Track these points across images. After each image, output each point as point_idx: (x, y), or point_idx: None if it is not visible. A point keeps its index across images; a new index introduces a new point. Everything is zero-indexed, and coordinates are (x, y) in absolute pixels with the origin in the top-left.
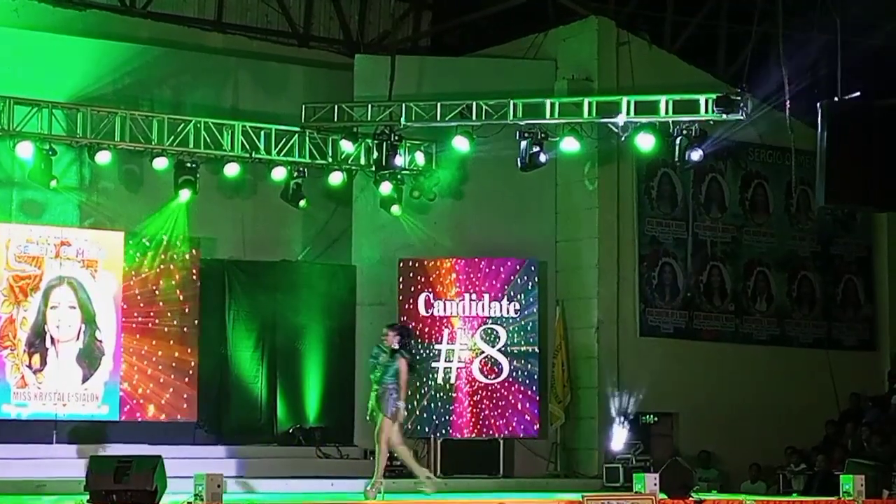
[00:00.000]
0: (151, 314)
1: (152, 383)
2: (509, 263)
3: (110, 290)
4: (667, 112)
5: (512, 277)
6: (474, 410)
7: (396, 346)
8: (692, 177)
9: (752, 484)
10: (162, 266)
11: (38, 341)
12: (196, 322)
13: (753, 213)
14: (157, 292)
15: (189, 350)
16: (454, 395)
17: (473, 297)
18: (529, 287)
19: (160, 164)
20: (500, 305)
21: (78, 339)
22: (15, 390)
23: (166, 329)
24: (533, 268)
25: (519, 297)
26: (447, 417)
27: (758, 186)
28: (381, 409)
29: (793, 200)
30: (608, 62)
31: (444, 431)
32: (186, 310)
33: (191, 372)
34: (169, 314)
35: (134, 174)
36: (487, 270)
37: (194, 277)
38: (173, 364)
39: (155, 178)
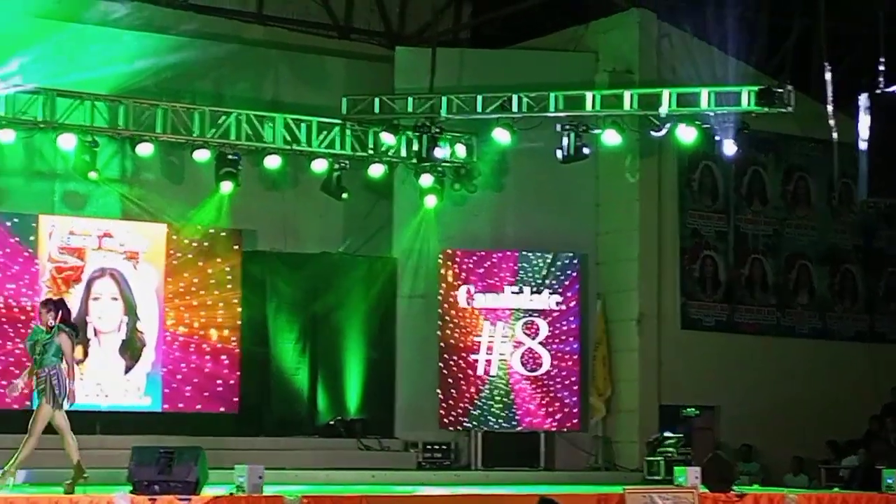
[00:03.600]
0: (193, 306)
1: (194, 375)
2: (550, 256)
3: (152, 282)
4: (708, 105)
5: (553, 270)
6: (515, 403)
7: (53, 323)
8: (734, 169)
9: (794, 477)
10: (204, 258)
11: (81, 332)
12: (237, 314)
13: (795, 206)
14: (198, 284)
15: (231, 342)
16: (495, 387)
17: (514, 289)
18: (570, 280)
19: (201, 156)
20: (542, 298)
21: (120, 330)
22: None
23: (208, 321)
24: (574, 261)
25: (560, 289)
26: (488, 410)
27: (800, 179)
28: (47, 396)
29: (835, 193)
30: (649, 54)
31: (484, 424)
32: (228, 302)
33: (233, 363)
34: (210, 306)
35: (175, 166)
36: (528, 263)
37: (236, 269)
38: (215, 355)
39: (196, 170)
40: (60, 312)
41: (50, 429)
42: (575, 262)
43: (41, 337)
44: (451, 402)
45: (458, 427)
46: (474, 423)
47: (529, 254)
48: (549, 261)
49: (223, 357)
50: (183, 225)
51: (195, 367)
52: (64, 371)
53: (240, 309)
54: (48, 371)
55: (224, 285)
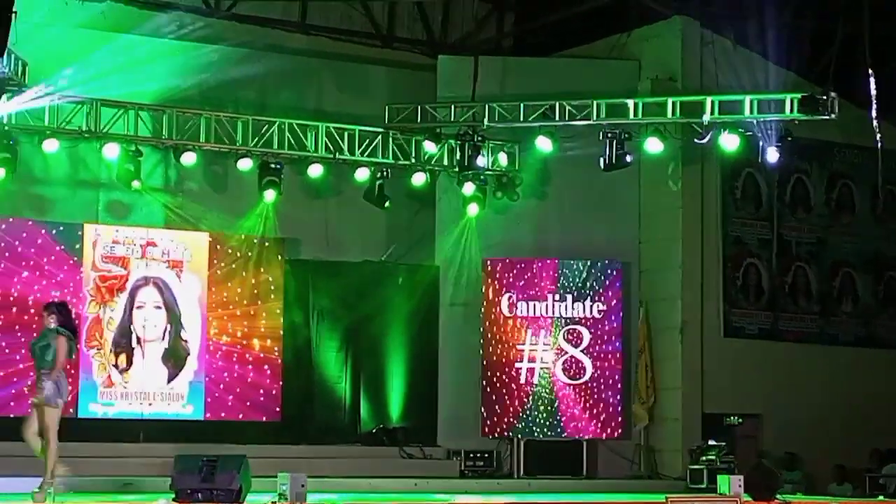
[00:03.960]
0: (236, 315)
1: (237, 383)
2: (593, 264)
3: (195, 291)
4: (751, 112)
5: (596, 278)
6: (560, 411)
7: (53, 325)
8: (777, 177)
9: (837, 486)
10: (246, 266)
11: (125, 341)
12: (280, 324)
13: (839, 213)
14: (241, 294)
15: (274, 350)
16: (538, 396)
17: (557, 297)
18: (613, 288)
19: (244, 165)
20: (584, 306)
21: (163, 338)
22: (101, 389)
23: (251, 329)
24: (616, 269)
25: (602, 297)
26: (531, 418)
27: (843, 187)
28: (44, 399)
29: (879, 200)
30: (692, 62)
31: (527, 432)
32: (271, 312)
33: (275, 372)
34: (253, 314)
35: (218, 175)
36: (571, 271)
37: (278, 278)
38: (258, 364)
39: (239, 179)
40: (62, 316)
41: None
42: (617, 269)
43: (43, 340)
44: (493, 410)
45: (501, 435)
46: (519, 431)
47: (571, 262)
48: (591, 269)
49: (265, 367)
50: (226, 234)
51: (237, 376)
52: (63, 373)
53: (282, 319)
54: (47, 373)
55: (267, 295)
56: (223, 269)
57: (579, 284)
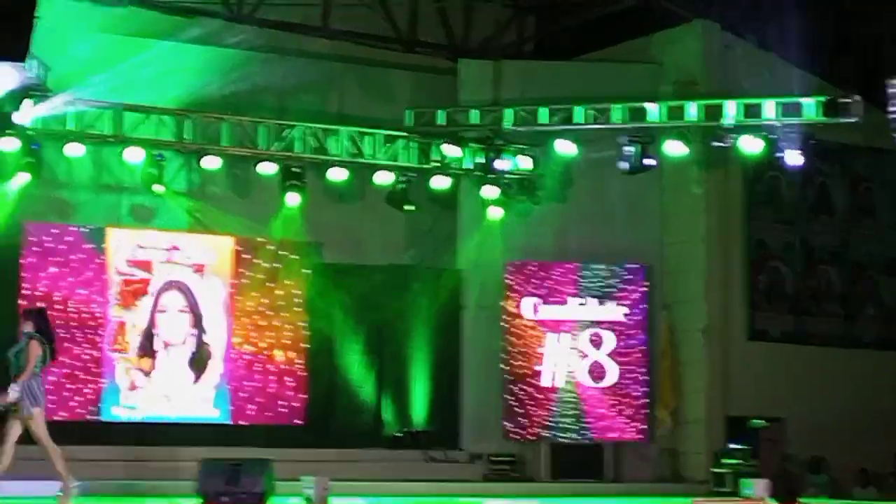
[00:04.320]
0: (259, 318)
1: (261, 386)
2: (616, 267)
3: (219, 294)
4: (773, 115)
5: (618, 281)
6: (584, 414)
7: (29, 330)
8: (800, 180)
9: (862, 489)
10: (270, 270)
11: (149, 345)
12: (304, 326)
13: (861, 216)
14: (265, 296)
15: (297, 354)
16: (562, 399)
17: (579, 301)
18: (636, 291)
19: (267, 168)
20: (607, 309)
21: (187, 342)
22: (125, 393)
23: (275, 333)
24: (640, 272)
25: (625, 301)
26: (554, 421)
27: (866, 189)
28: (27, 402)
29: None
30: (714, 66)
31: (551, 435)
32: (295, 324)
33: (299, 375)
34: (277, 318)
35: (241, 179)
36: (593, 274)
37: (301, 282)
38: (282, 367)
39: (262, 183)
40: (38, 322)
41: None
42: (640, 273)
43: (17, 346)
44: (516, 413)
45: (525, 438)
46: (548, 434)
47: (594, 265)
48: (613, 272)
49: (290, 369)
50: (249, 237)
51: (262, 378)
52: (39, 378)
53: (306, 321)
54: (15, 378)
55: (290, 297)
56: (246, 273)
57: (602, 288)
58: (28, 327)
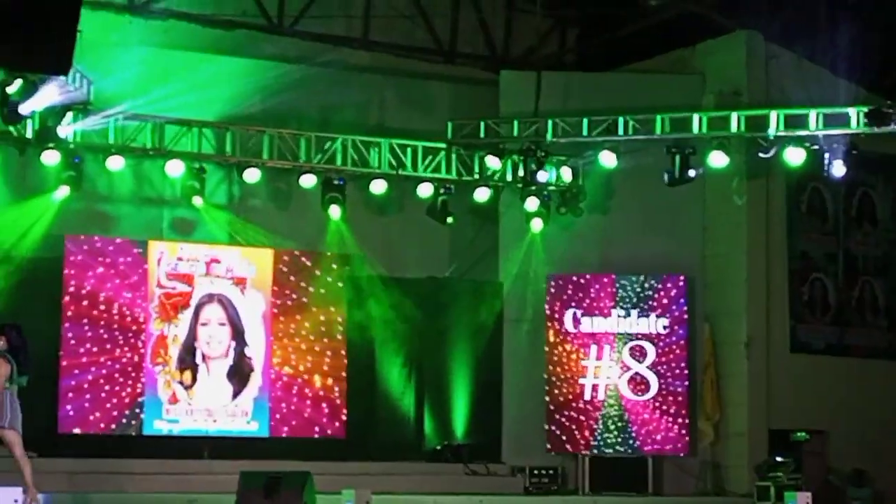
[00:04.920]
0: (298, 326)
1: (301, 399)
2: (657, 279)
3: (259, 307)
4: (817, 126)
5: (660, 294)
6: (629, 426)
7: (3, 348)
8: (843, 191)
9: None
10: (310, 283)
11: (189, 358)
12: (344, 338)
13: None
14: (305, 309)
15: (337, 366)
16: (602, 412)
17: (621, 313)
18: (678, 303)
19: (308, 181)
20: (649, 322)
21: (227, 355)
22: (167, 406)
23: (314, 346)
24: (681, 284)
25: (667, 313)
26: (596, 434)
27: None
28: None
29: None
30: (757, 76)
31: (593, 448)
32: (333, 319)
33: (339, 388)
34: (317, 331)
35: (282, 192)
36: (635, 286)
37: (342, 294)
38: (322, 380)
39: (302, 196)
40: (13, 339)
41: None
42: (682, 284)
43: None
44: (558, 426)
45: (566, 451)
46: (589, 447)
47: (635, 277)
48: (655, 284)
49: (330, 382)
50: (289, 250)
51: (302, 391)
52: (6, 395)
53: (346, 334)
54: None
55: (330, 310)
56: (287, 286)
57: (644, 300)
58: (2, 345)
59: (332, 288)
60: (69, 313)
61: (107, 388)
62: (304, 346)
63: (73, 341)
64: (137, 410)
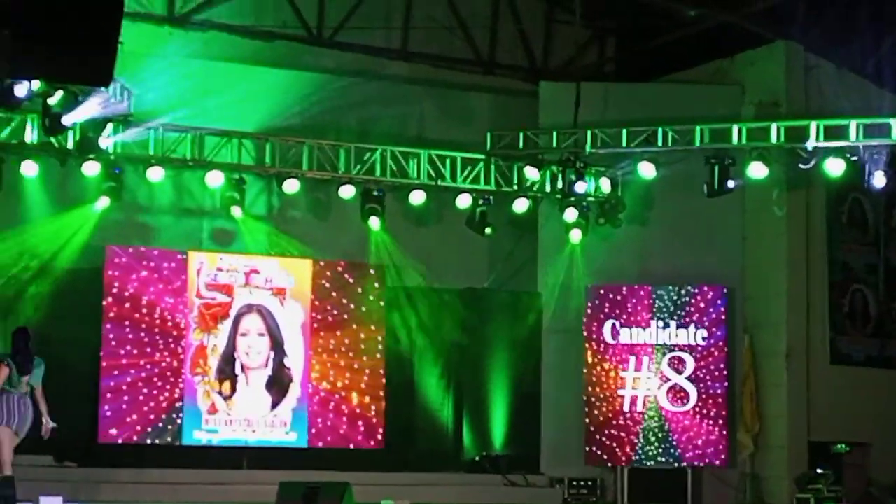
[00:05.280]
0: (338, 342)
1: (340, 410)
2: (696, 290)
3: (298, 318)
4: (857, 136)
5: (699, 305)
6: (662, 439)
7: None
8: (884, 201)
9: None
10: (350, 297)
11: (229, 368)
12: (382, 349)
13: None
14: (343, 320)
15: (376, 377)
16: (642, 423)
17: (660, 324)
18: (717, 314)
19: (347, 192)
20: (688, 333)
21: (267, 366)
22: (206, 416)
23: (353, 356)
24: (721, 295)
25: (706, 324)
26: (635, 445)
27: None
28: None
29: None
30: (796, 86)
31: (632, 459)
32: (373, 337)
33: (377, 407)
34: (355, 341)
35: (321, 202)
36: (674, 297)
37: (381, 305)
38: (360, 391)
39: (342, 207)
40: (16, 343)
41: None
42: (721, 296)
43: None
44: (597, 437)
45: (605, 462)
46: (629, 458)
47: (674, 288)
48: (694, 295)
49: (368, 392)
50: (328, 261)
51: (340, 401)
52: (10, 397)
53: (384, 345)
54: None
55: (369, 321)
56: (326, 297)
57: (683, 311)
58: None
59: (372, 306)
60: (111, 314)
61: (145, 391)
62: (342, 362)
63: (113, 342)
64: (174, 416)
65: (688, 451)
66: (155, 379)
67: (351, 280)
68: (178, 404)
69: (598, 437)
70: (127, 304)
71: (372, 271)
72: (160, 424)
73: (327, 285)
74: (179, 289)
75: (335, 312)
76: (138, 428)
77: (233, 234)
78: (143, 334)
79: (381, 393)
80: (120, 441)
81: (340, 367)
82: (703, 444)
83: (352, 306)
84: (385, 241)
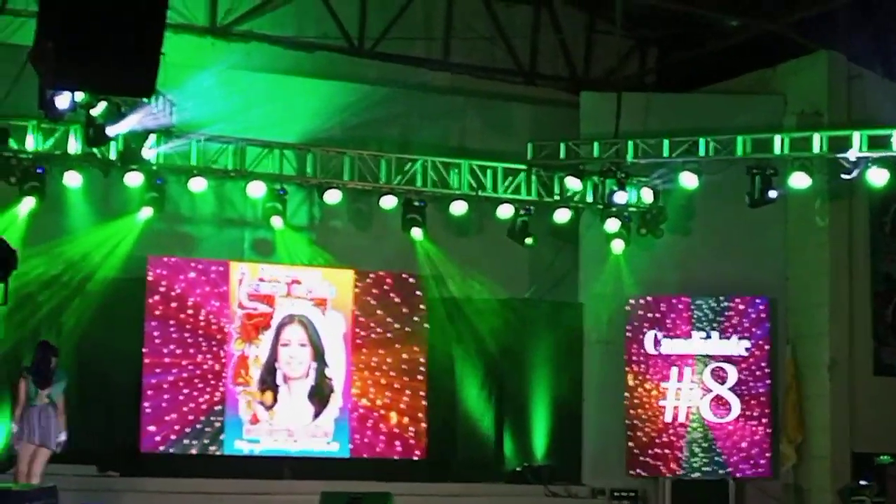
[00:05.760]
0: (380, 351)
1: (381, 420)
2: (739, 301)
3: (339, 328)
4: None
5: (741, 315)
6: (705, 450)
7: (25, 364)
8: None
9: None
10: (392, 311)
11: (270, 378)
12: (424, 359)
13: None
14: (385, 330)
15: (417, 387)
16: (684, 434)
17: (701, 335)
18: (760, 325)
19: (388, 202)
20: (730, 344)
21: (308, 376)
22: (247, 427)
23: (394, 366)
24: (763, 305)
25: (749, 335)
26: (677, 457)
27: None
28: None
29: None
30: (839, 96)
31: (674, 471)
32: (414, 347)
33: (419, 409)
34: (397, 351)
35: (362, 213)
36: (717, 308)
37: (422, 315)
38: (402, 401)
39: (383, 217)
40: (37, 356)
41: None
42: (764, 306)
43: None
44: (638, 448)
45: (647, 474)
46: (670, 470)
47: (716, 299)
48: (736, 305)
49: (410, 403)
50: (369, 272)
51: (382, 412)
52: (32, 412)
53: (426, 355)
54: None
55: (410, 331)
56: (367, 307)
57: (725, 321)
58: (27, 361)
59: (416, 326)
60: (156, 312)
61: (186, 391)
62: (383, 380)
63: (156, 340)
64: (214, 420)
65: (730, 463)
66: (196, 381)
67: (393, 293)
68: (217, 407)
69: (640, 448)
70: (172, 304)
71: (412, 282)
72: (199, 426)
73: (372, 302)
74: (223, 294)
75: (378, 330)
76: (177, 427)
77: (274, 244)
78: (186, 335)
79: (421, 415)
80: (158, 439)
81: (381, 385)
82: (745, 455)
83: (395, 325)
84: (427, 251)
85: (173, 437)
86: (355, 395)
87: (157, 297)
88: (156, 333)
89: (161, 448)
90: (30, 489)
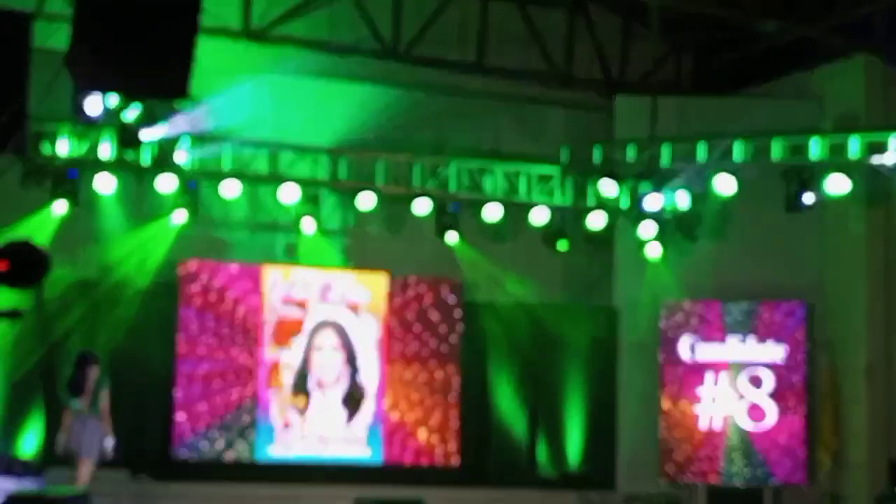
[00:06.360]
0: (413, 357)
1: (414, 426)
2: (775, 306)
3: (373, 333)
4: None
5: (778, 321)
6: (740, 456)
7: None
8: None
9: None
10: (423, 309)
11: (303, 383)
12: (457, 365)
13: None
14: (418, 335)
15: (451, 393)
16: (720, 440)
17: (737, 340)
18: (796, 330)
19: (422, 207)
20: (766, 349)
21: (341, 381)
22: (280, 432)
23: (428, 371)
24: (799, 311)
25: (785, 340)
26: (712, 463)
27: None
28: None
29: None
30: (876, 101)
31: (709, 477)
32: (448, 352)
33: (453, 415)
34: (430, 357)
35: (395, 217)
36: (752, 313)
37: (455, 320)
38: (435, 406)
39: (416, 222)
40: (75, 370)
41: None
42: (800, 312)
43: None
44: (673, 454)
45: (682, 480)
46: (706, 476)
47: (752, 304)
48: (773, 311)
49: (443, 408)
50: (403, 276)
51: (415, 417)
52: (73, 422)
53: (459, 360)
54: None
55: (444, 336)
56: (401, 312)
57: (762, 327)
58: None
59: (451, 344)
60: (192, 302)
61: (218, 382)
62: (414, 395)
63: (192, 330)
64: (244, 415)
65: (766, 470)
66: (229, 374)
67: (428, 302)
68: (247, 403)
69: (674, 453)
70: (209, 296)
71: (446, 286)
72: (229, 420)
73: (406, 314)
74: (255, 300)
75: (414, 345)
76: (208, 418)
77: (308, 248)
78: (222, 327)
79: (453, 433)
80: (188, 428)
81: (411, 400)
82: (782, 461)
83: (431, 342)
84: (459, 255)
85: (203, 427)
86: (387, 408)
87: (192, 288)
88: (190, 323)
89: (191, 438)
90: (62, 495)
